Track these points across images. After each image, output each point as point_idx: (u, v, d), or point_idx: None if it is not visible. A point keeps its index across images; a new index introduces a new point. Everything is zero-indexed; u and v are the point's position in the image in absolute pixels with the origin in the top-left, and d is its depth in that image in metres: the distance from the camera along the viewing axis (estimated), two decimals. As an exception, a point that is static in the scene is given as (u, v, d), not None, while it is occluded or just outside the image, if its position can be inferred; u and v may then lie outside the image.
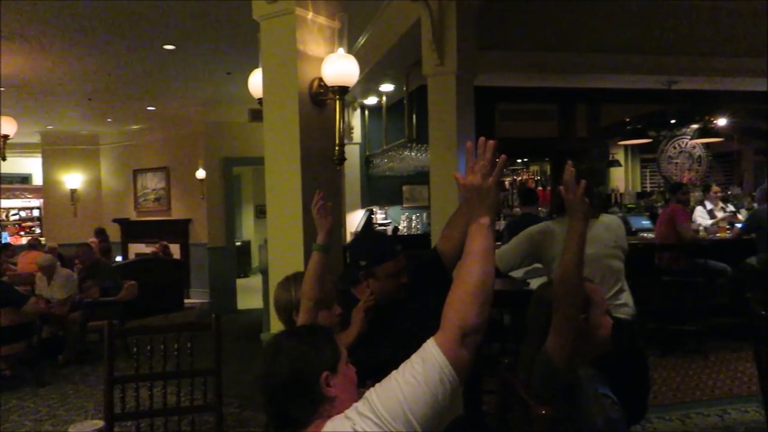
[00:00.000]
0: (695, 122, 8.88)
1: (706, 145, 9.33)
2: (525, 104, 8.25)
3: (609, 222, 2.93)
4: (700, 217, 7.11)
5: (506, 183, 9.22)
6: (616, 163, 11.21)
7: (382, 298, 2.11)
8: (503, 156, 1.38)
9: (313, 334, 1.39)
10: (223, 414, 2.72)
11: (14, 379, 5.51)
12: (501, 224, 7.90)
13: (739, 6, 6.12)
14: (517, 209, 7.62)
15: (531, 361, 1.82)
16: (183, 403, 2.73)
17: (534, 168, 10.51)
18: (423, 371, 1.21)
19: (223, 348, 2.74)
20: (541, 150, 8.63)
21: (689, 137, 9.25)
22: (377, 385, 1.25)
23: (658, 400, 4.27)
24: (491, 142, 1.35)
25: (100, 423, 1.97)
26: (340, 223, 3.33)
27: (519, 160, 10.17)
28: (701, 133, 8.25)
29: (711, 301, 5.56)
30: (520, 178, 9.96)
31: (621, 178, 11.54)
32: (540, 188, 9.47)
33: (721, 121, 8.53)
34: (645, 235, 6.77)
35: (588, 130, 8.58)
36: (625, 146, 10.68)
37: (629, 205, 9.20)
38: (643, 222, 7.93)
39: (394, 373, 1.25)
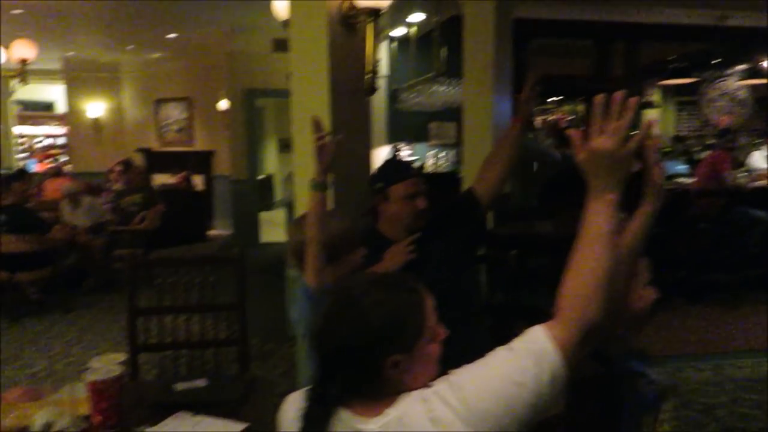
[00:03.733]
0: (743, 62, 8.38)
1: (753, 88, 8.84)
2: (559, 39, 7.84)
3: None
4: (759, 161, 6.80)
5: (537, 122, 8.89)
6: (650, 105, 10.76)
7: (399, 225, 2.15)
8: (651, 119, 1.12)
9: (394, 301, 1.10)
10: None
11: (41, 304, 5.59)
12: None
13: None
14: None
15: None
16: (207, 336, 2.70)
17: (567, 108, 10.12)
18: (534, 370, 1.02)
19: (245, 282, 2.68)
20: (573, 89, 8.27)
21: (735, 79, 8.77)
22: (468, 368, 1.07)
23: (689, 349, 4.20)
24: (633, 99, 1.09)
25: (122, 357, 1.92)
26: (366, 160, 3.19)
27: (549, 99, 9.82)
28: (750, 74, 7.79)
29: (748, 250, 5.37)
30: (552, 117, 9.57)
31: (655, 120, 11.12)
32: (572, 129, 9.14)
33: (769, 63, 8.05)
34: (680, 180, 6.52)
35: (625, 69, 8.16)
36: (662, 87, 10.21)
37: (665, 149, 8.85)
38: (678, 167, 7.66)
39: (491, 360, 1.07)
